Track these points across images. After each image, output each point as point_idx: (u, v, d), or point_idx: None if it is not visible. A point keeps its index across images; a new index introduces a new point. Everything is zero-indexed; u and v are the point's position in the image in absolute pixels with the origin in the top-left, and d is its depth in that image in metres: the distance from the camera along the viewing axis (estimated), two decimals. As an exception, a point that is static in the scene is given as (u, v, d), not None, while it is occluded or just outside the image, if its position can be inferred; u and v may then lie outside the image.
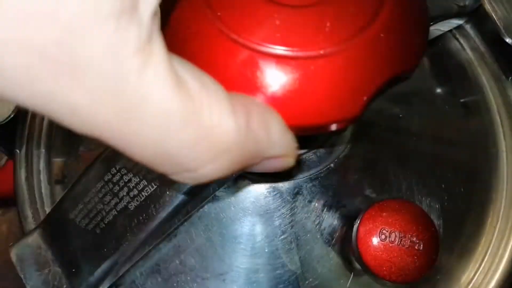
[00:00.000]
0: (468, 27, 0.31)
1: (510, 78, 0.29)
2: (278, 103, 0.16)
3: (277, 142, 0.16)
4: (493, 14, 0.27)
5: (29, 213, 0.28)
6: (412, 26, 0.18)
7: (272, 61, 0.16)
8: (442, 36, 0.31)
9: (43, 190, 0.29)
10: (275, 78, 0.16)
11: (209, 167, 0.14)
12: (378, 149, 0.27)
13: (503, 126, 0.29)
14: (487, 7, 0.27)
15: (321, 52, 0.16)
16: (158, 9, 0.13)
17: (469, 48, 0.31)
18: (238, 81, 0.16)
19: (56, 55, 0.11)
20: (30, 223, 0.28)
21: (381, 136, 0.28)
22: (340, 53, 0.16)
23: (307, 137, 0.26)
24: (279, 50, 0.16)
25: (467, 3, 0.30)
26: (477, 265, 0.27)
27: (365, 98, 0.17)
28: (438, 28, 0.30)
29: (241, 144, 0.15)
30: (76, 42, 0.11)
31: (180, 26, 0.18)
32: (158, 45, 0.13)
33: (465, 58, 0.31)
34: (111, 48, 0.12)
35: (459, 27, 0.31)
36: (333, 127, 0.17)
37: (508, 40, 0.27)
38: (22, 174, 0.29)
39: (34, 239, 0.25)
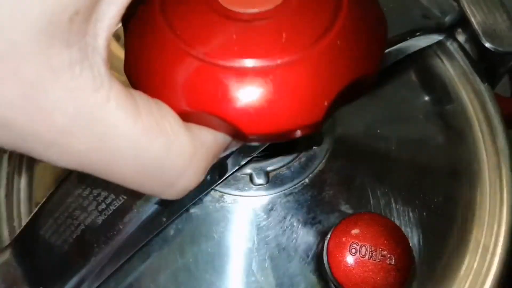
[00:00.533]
0: (448, 43, 0.31)
1: (486, 83, 0.28)
2: (240, 114, 0.17)
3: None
4: (472, 19, 0.27)
5: (5, 231, 0.28)
6: (369, 32, 0.18)
7: (232, 74, 0.17)
8: (422, 52, 0.31)
9: (22, 209, 0.29)
10: (236, 91, 0.17)
11: (189, 172, 0.17)
12: (354, 163, 0.27)
13: (485, 142, 0.29)
14: (467, 11, 0.27)
15: (279, 62, 0.16)
16: (108, 52, 0.15)
17: (450, 65, 0.31)
18: (201, 96, 0.17)
19: (24, 106, 0.13)
20: (6, 241, 0.28)
21: (357, 151, 0.27)
22: (297, 62, 0.17)
23: (280, 150, 0.26)
24: (238, 63, 0.17)
25: (446, 19, 0.30)
26: (462, 285, 0.26)
27: (326, 103, 0.17)
28: (416, 44, 0.30)
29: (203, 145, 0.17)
30: (39, 93, 0.13)
31: (141, 47, 0.18)
32: (114, 80, 0.15)
33: (446, 75, 0.31)
34: (72, 93, 0.14)
35: (440, 43, 0.31)
36: (297, 134, 0.17)
37: (487, 44, 0.26)
38: (2, 192, 0.29)
39: (5, 257, 0.25)
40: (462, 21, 0.28)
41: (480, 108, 0.30)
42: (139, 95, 0.16)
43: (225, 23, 0.17)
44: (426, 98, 0.30)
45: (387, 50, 0.28)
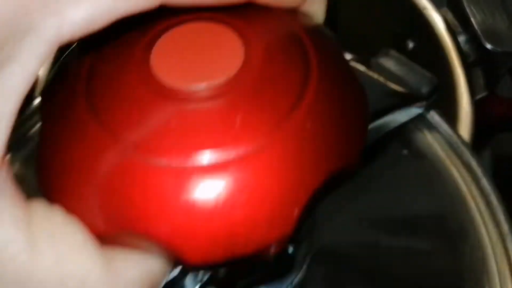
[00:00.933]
0: (428, 116, 0.29)
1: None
2: (181, 235, 0.12)
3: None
4: (472, 19, 0.26)
5: None
6: (346, 111, 0.14)
7: (168, 176, 0.13)
8: (402, 129, 0.28)
9: None
10: (174, 200, 0.12)
11: None
12: (341, 267, 0.23)
13: (487, 227, 0.25)
14: (467, 11, 0.26)
15: (232, 156, 0.12)
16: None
17: (433, 139, 0.28)
18: (127, 209, 0.13)
19: None
20: None
21: (342, 251, 0.23)
22: (256, 155, 0.13)
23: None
24: (176, 160, 0.13)
25: (423, 90, 0.28)
26: None
27: (296, 210, 0.13)
28: (394, 119, 0.27)
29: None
30: None
31: (55, 141, 0.14)
32: (8, 199, 0.11)
33: (431, 150, 0.28)
34: None
35: (419, 117, 0.29)
36: (257, 257, 0.13)
37: (487, 45, 0.25)
38: None
39: None
40: (462, 21, 0.27)
41: (475, 184, 0.26)
42: (40, 212, 0.12)
43: (160, 105, 0.13)
44: (413, 179, 0.27)
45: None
